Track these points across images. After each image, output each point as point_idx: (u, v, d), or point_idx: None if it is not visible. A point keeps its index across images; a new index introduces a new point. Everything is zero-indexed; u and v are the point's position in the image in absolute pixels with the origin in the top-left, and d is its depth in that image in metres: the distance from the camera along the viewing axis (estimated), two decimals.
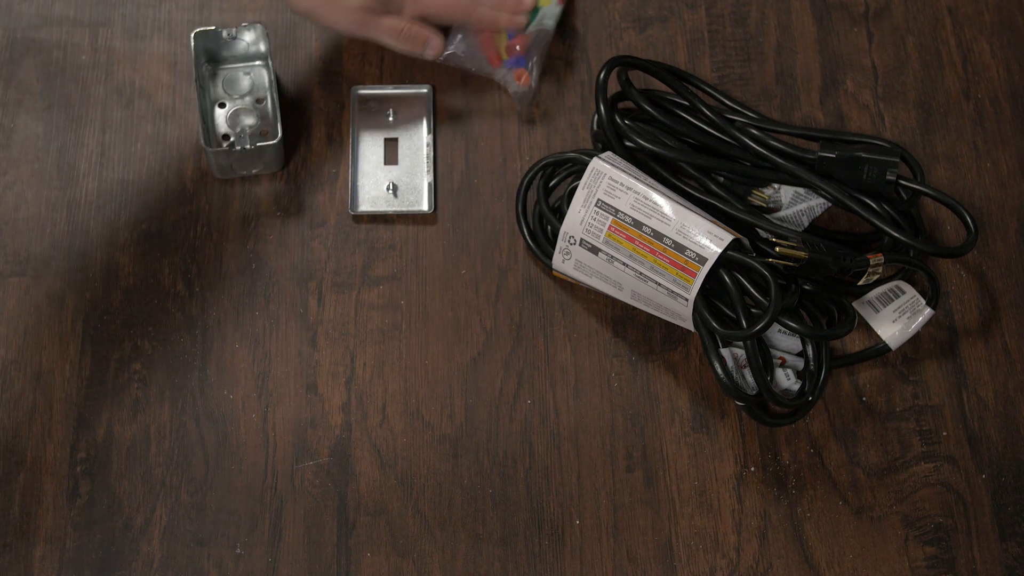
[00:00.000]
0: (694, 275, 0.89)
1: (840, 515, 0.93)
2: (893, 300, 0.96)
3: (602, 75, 0.98)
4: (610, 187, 0.91)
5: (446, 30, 1.03)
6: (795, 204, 0.98)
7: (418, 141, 1.03)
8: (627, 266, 0.91)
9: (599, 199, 0.91)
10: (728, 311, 0.92)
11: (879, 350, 0.96)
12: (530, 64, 1.02)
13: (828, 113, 1.05)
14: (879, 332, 0.96)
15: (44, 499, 0.91)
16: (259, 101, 1.02)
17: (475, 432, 0.94)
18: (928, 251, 0.95)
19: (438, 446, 0.94)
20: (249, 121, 1.00)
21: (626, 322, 0.98)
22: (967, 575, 0.92)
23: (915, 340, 0.97)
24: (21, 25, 1.05)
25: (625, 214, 0.91)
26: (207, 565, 0.90)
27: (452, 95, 1.04)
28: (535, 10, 1.03)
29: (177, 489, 0.92)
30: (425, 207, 1.00)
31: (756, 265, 0.88)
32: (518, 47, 1.02)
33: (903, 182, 0.96)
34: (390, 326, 0.97)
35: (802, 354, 0.94)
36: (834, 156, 0.96)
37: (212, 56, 1.02)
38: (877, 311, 0.96)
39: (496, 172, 1.02)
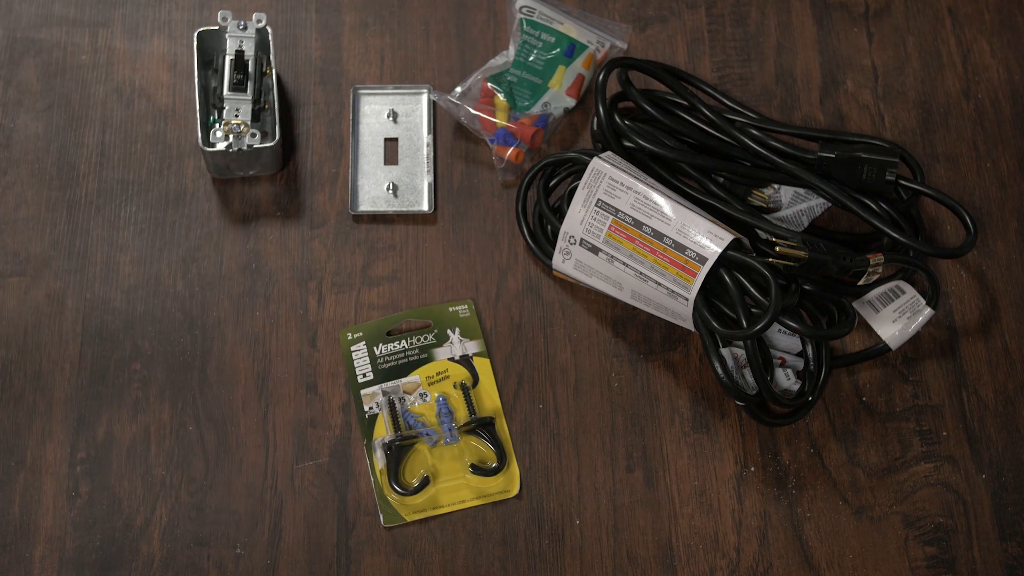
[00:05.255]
0: (694, 275, 0.89)
1: (840, 515, 0.93)
2: (893, 300, 0.96)
3: (601, 76, 0.98)
4: (610, 187, 0.91)
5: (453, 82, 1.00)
6: (795, 204, 0.98)
7: (418, 141, 1.03)
8: (627, 266, 0.91)
9: (599, 199, 0.91)
10: (728, 311, 0.92)
11: (879, 350, 0.96)
12: (521, 143, 1.01)
13: (828, 113, 1.05)
14: (879, 332, 0.96)
15: (44, 499, 0.91)
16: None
17: None
18: (928, 251, 0.95)
19: None
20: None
21: (626, 322, 0.98)
22: (967, 575, 0.92)
23: (915, 340, 0.97)
24: (21, 25, 1.05)
25: (625, 214, 0.91)
26: (207, 565, 0.90)
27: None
28: (541, 91, 1.03)
29: (177, 489, 0.92)
30: (425, 207, 1.00)
31: (756, 265, 0.88)
32: (514, 126, 1.01)
33: (903, 182, 0.96)
34: None
35: (802, 354, 0.94)
36: (834, 156, 0.96)
37: (213, 56, 1.02)
38: (877, 311, 0.96)
39: (496, 172, 1.02)
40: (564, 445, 0.94)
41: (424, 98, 1.04)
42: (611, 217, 0.91)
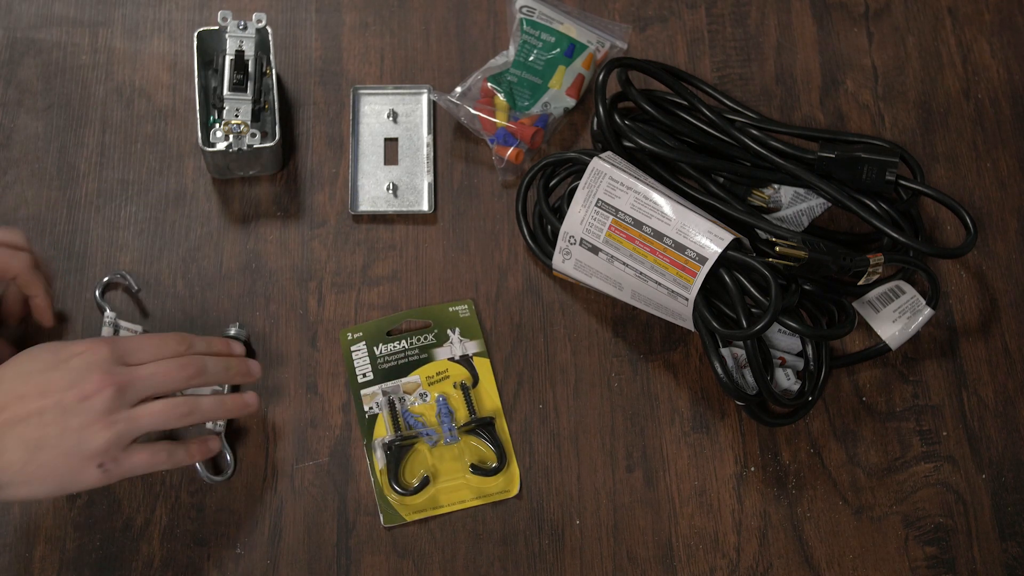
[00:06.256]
0: (694, 275, 0.89)
1: (840, 515, 0.93)
2: (893, 300, 0.96)
3: (601, 76, 0.98)
4: (610, 187, 0.91)
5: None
6: (795, 204, 0.98)
7: (418, 141, 1.03)
8: (627, 266, 0.91)
9: (599, 199, 0.91)
10: (728, 311, 0.92)
11: (879, 350, 0.96)
12: (521, 143, 1.01)
13: (828, 113, 1.05)
14: (879, 332, 0.96)
15: (44, 499, 0.91)
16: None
17: None
18: (927, 251, 0.95)
19: None
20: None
21: (626, 322, 0.98)
22: (967, 575, 0.92)
23: (915, 340, 0.97)
24: (21, 25, 1.05)
25: (625, 214, 0.91)
26: (207, 565, 0.90)
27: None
28: (541, 90, 1.03)
29: (177, 489, 0.92)
30: (425, 207, 1.00)
31: (756, 265, 0.88)
32: (514, 126, 1.01)
33: (903, 182, 0.96)
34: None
35: (802, 354, 0.94)
36: (834, 156, 0.96)
37: (213, 56, 1.02)
38: (877, 311, 0.96)
39: (496, 172, 1.02)
40: (564, 445, 0.94)
41: (424, 98, 1.04)
42: (611, 217, 0.91)
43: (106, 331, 0.92)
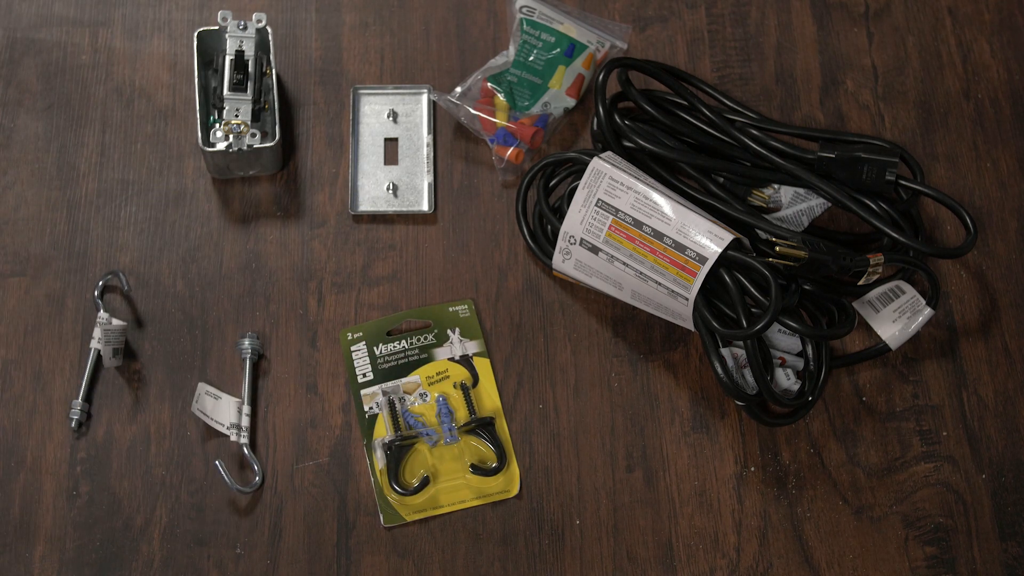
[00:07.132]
0: (694, 275, 0.89)
1: (840, 515, 0.93)
2: (893, 300, 0.96)
3: (601, 76, 0.98)
4: (610, 187, 0.91)
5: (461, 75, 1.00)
6: (795, 204, 0.98)
7: (418, 141, 1.03)
8: (627, 266, 0.91)
9: (599, 199, 0.91)
10: (728, 311, 0.92)
11: (879, 350, 0.96)
12: (521, 143, 1.01)
13: (828, 113, 1.05)
14: (879, 332, 0.96)
15: (44, 499, 0.91)
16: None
17: None
18: (927, 251, 0.95)
19: None
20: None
21: (626, 322, 0.98)
22: (967, 575, 0.92)
23: (915, 340, 0.97)
24: (21, 25, 1.05)
25: (625, 214, 0.91)
26: (207, 565, 0.90)
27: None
28: (541, 90, 1.03)
29: (177, 489, 0.92)
30: (425, 207, 1.00)
31: (756, 265, 0.88)
32: (514, 126, 1.01)
33: (903, 182, 0.96)
34: None
35: (802, 354, 0.94)
36: (834, 156, 0.96)
37: (213, 56, 1.02)
38: (877, 311, 0.96)
39: (496, 172, 1.02)
40: (564, 445, 0.94)
41: (424, 98, 1.04)
42: (611, 217, 0.91)
43: (98, 331, 0.92)
